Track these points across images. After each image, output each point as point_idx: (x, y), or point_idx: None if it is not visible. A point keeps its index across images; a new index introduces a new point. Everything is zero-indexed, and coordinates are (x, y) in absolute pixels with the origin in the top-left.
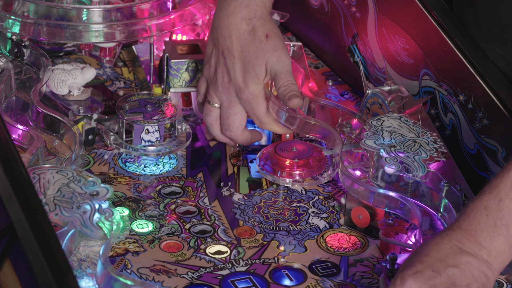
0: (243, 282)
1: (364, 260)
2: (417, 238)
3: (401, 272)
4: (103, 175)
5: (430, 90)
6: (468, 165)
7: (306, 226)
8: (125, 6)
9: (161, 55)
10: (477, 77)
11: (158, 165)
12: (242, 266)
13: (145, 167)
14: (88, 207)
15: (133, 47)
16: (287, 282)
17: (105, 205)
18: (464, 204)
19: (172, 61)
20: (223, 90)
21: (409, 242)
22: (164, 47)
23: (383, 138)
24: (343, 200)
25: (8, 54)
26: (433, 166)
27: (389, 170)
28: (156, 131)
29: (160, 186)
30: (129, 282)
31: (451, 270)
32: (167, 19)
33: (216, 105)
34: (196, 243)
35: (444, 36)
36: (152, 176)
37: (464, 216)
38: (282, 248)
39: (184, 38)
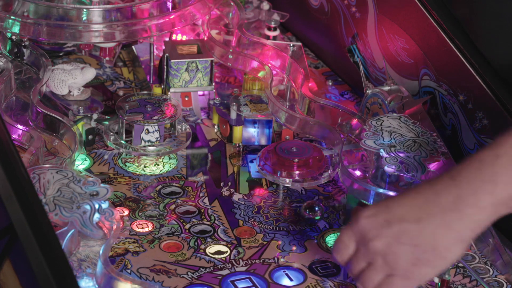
0: (243, 282)
1: None
2: None
3: (364, 209)
4: (103, 175)
5: (430, 90)
6: None
7: (306, 226)
8: (125, 6)
9: (161, 55)
10: (477, 77)
11: (158, 165)
12: (242, 266)
13: (145, 167)
14: (88, 207)
15: (133, 47)
16: (287, 282)
17: (105, 205)
18: None
19: (172, 61)
20: None
21: None
22: (164, 47)
23: (383, 138)
24: (343, 200)
25: (8, 54)
26: (433, 166)
27: (389, 170)
28: (156, 131)
29: (160, 186)
30: (129, 282)
31: (405, 225)
32: (167, 19)
33: None
34: (196, 243)
35: (444, 36)
36: (152, 176)
37: (459, 166)
38: (279, 242)
39: (184, 38)
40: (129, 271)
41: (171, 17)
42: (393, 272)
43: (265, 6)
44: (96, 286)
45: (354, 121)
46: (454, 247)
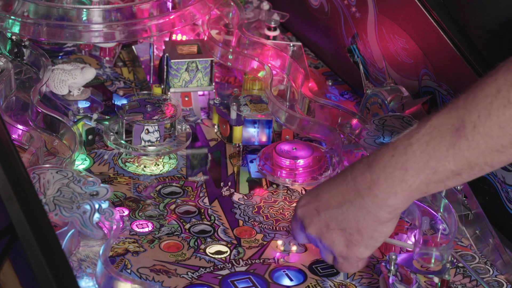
0: (243, 282)
1: None
2: (417, 238)
3: (301, 197)
4: (103, 175)
5: (430, 90)
6: None
7: None
8: (125, 6)
9: (161, 55)
10: (476, 77)
11: (158, 165)
12: (242, 266)
13: (145, 167)
14: (88, 207)
15: (133, 47)
16: (287, 282)
17: (105, 205)
18: (464, 204)
19: (172, 61)
20: None
21: (409, 242)
22: (164, 47)
23: (383, 138)
24: None
25: (8, 54)
26: None
27: None
28: (156, 131)
29: (160, 186)
30: (129, 282)
31: (331, 211)
32: (167, 19)
33: None
34: (196, 243)
35: (444, 36)
36: (152, 176)
37: (376, 152)
38: (280, 242)
39: (184, 38)
40: (129, 271)
41: (171, 17)
42: (333, 253)
43: (265, 6)
44: (96, 286)
45: (354, 121)
46: (378, 228)
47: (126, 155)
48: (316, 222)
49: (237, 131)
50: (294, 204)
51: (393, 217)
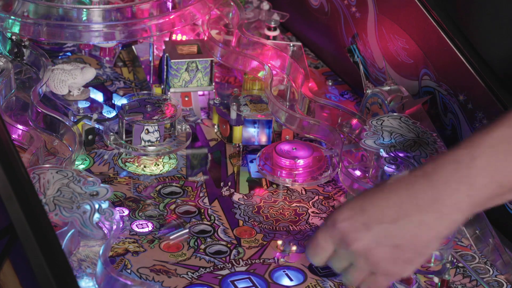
0: (243, 282)
1: None
2: None
3: (338, 211)
4: (103, 175)
5: (430, 90)
6: None
7: (306, 226)
8: (125, 6)
9: (161, 55)
10: (477, 77)
11: (158, 165)
12: (242, 266)
13: (145, 167)
14: (88, 207)
15: (133, 47)
16: (287, 282)
17: (105, 205)
18: None
19: (172, 61)
20: None
21: None
22: (164, 47)
23: (383, 138)
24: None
25: (8, 54)
26: None
27: (389, 170)
28: (156, 131)
29: (160, 186)
30: (129, 282)
31: (384, 227)
32: (167, 19)
33: None
34: (196, 243)
35: (444, 36)
36: (152, 176)
37: (434, 164)
38: (280, 242)
39: (184, 38)
40: (129, 271)
41: (171, 17)
42: (375, 270)
43: (265, 6)
44: (96, 286)
45: (354, 121)
46: (432, 244)
47: (126, 155)
48: (364, 238)
49: (237, 131)
50: (294, 204)
51: (449, 233)
